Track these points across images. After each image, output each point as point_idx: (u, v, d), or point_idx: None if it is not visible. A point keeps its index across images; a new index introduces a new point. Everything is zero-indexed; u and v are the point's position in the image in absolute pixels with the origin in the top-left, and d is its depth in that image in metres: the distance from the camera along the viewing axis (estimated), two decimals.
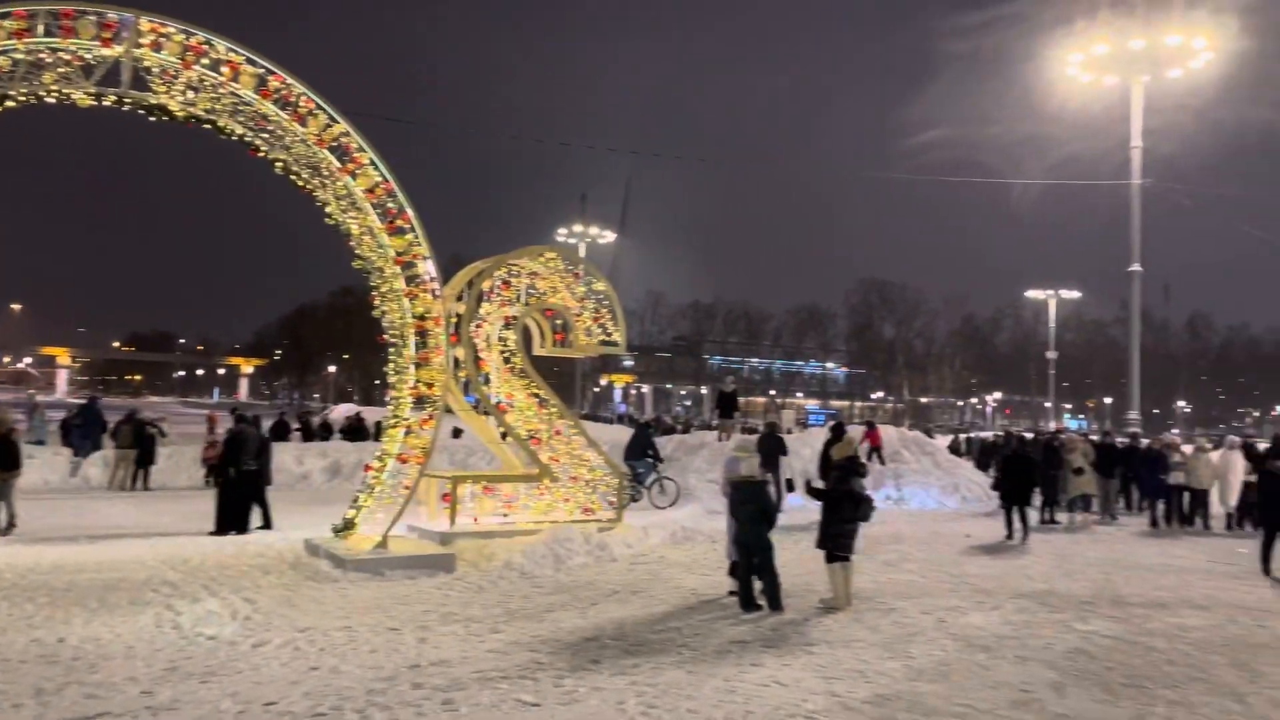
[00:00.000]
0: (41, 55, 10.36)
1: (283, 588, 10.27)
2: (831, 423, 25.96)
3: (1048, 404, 76.98)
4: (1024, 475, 16.06)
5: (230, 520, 13.94)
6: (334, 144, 11.59)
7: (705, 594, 10.49)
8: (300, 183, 12.03)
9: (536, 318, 14.40)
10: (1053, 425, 51.82)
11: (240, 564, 11.51)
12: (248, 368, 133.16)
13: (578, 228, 59.46)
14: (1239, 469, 18.00)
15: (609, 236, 63.32)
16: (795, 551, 12.14)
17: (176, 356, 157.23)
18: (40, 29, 10.25)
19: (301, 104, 11.35)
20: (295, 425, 26.96)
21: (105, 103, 10.74)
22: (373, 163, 11.81)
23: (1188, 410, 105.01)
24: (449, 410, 13.49)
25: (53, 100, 10.64)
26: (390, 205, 12.00)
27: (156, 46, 10.71)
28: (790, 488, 14.48)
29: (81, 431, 21.66)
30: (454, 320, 13.17)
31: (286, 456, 22.22)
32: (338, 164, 11.68)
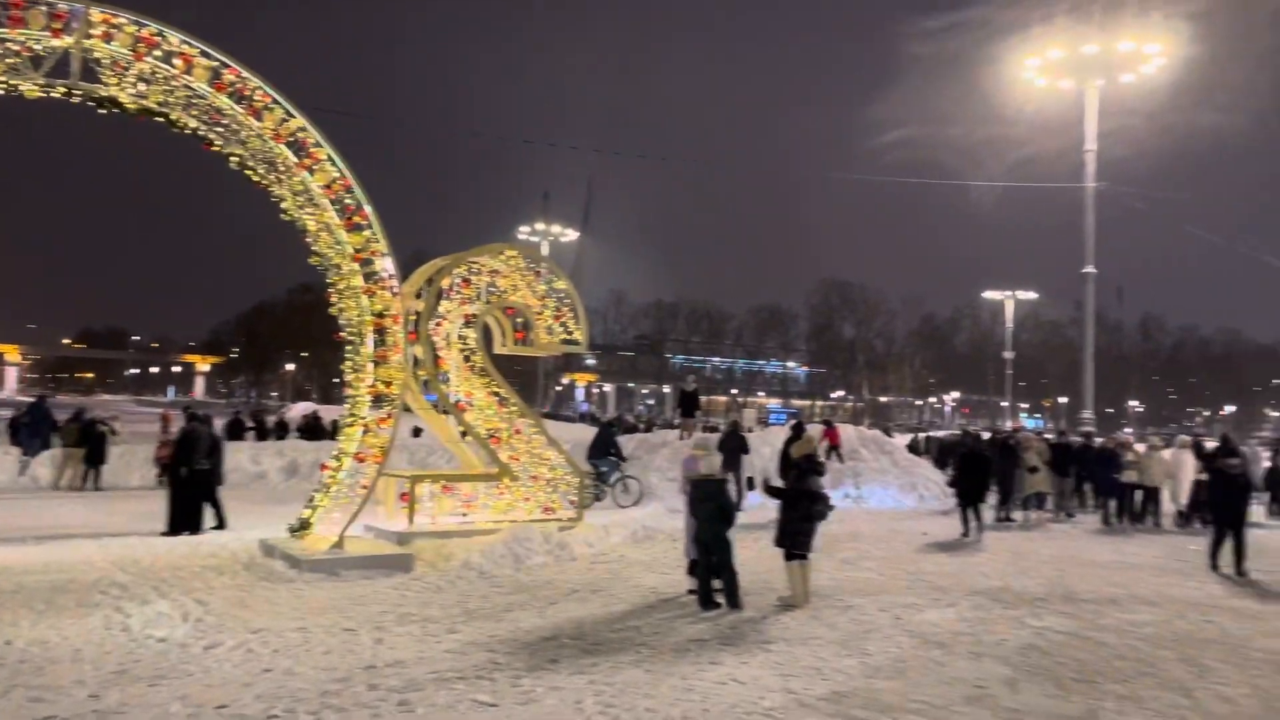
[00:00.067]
0: None
1: (236, 589, 10.12)
2: (792, 422, 26.13)
3: (1005, 403, 78.14)
4: (979, 473, 16.28)
5: (183, 520, 13.72)
6: (291, 139, 11.44)
7: (665, 592, 10.50)
8: (256, 178, 11.86)
9: (497, 316, 14.32)
10: (1009, 424, 52.48)
11: (193, 565, 11.31)
12: (204, 365, 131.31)
13: (540, 226, 59.37)
14: (1189, 467, 18.36)
15: (572, 235, 63.28)
16: (754, 549, 12.18)
17: (130, 354, 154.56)
18: None
19: (257, 98, 11.19)
20: (250, 424, 26.57)
21: (54, 95, 10.51)
22: (330, 158, 11.67)
23: (1140, 410, 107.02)
24: (408, 409, 13.38)
25: (0, 91, 10.40)
26: (348, 201, 11.87)
27: (107, 37, 10.49)
28: (751, 486, 14.57)
29: (30, 430, 21.22)
30: (413, 318, 13.06)
31: (242, 456, 21.93)
32: (294, 159, 11.53)
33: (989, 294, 70.26)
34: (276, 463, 22.25)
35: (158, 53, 10.68)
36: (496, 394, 13.92)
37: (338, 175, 11.76)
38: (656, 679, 7.26)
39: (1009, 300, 66.67)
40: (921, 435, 39.04)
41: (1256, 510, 16.32)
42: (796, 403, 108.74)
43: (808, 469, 10.27)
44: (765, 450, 20.52)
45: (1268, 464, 21.22)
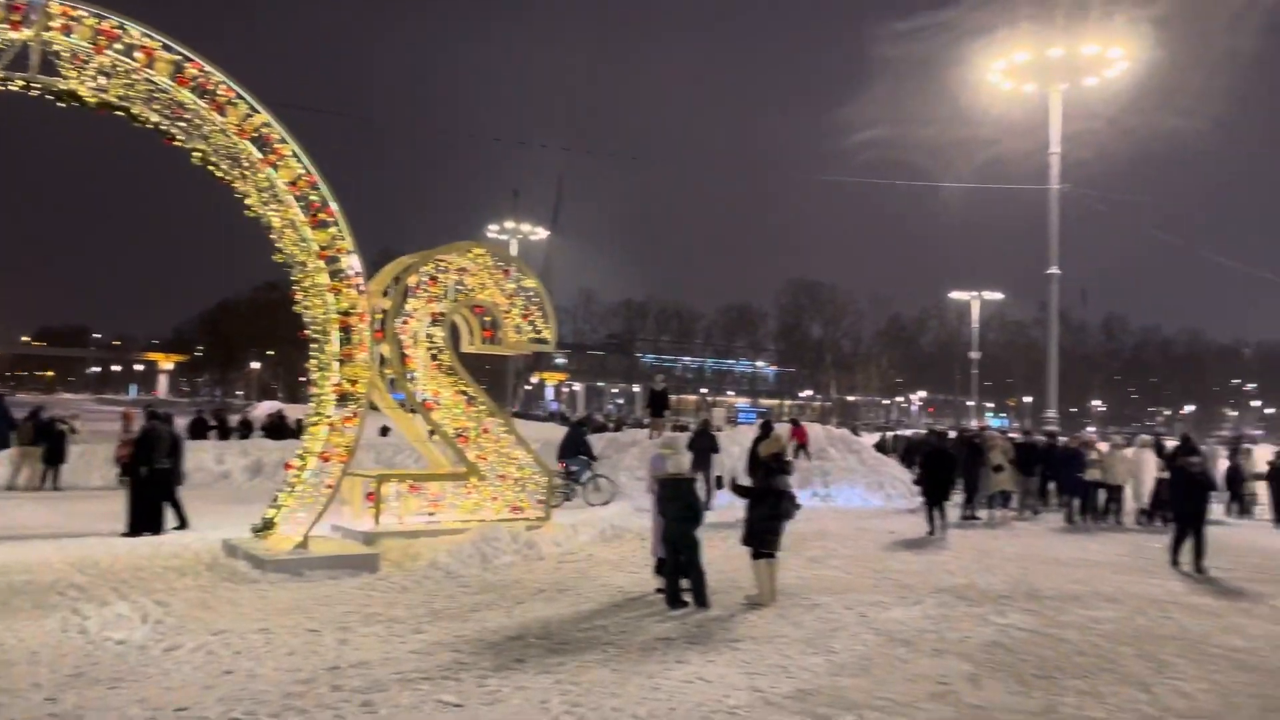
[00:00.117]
0: None
1: (198, 590, 9.99)
2: (760, 421, 26.24)
3: (971, 403, 78.96)
4: (944, 472, 16.43)
5: (143, 521, 13.52)
6: (255, 134, 11.30)
7: (632, 591, 10.50)
8: (219, 174, 11.71)
9: (465, 314, 14.24)
10: (975, 423, 53.05)
11: (154, 566, 11.15)
12: (167, 364, 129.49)
13: (510, 224, 59.11)
14: (1151, 466, 18.64)
15: (541, 234, 63.07)
16: (722, 549, 12.21)
17: (91, 352, 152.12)
18: None
19: (220, 92, 11.04)
20: (212, 422, 26.25)
21: (12, 88, 10.30)
22: (295, 154, 11.54)
23: (1103, 409, 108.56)
24: (374, 408, 13.27)
25: None
26: (313, 198, 11.75)
27: (67, 30, 10.31)
28: (720, 485, 14.61)
29: None
30: (379, 316, 12.96)
31: (206, 455, 21.66)
32: (259, 155, 11.39)
33: (955, 294, 70.99)
34: (240, 462, 22.00)
35: (119, 46, 10.50)
36: (464, 393, 13.84)
37: (303, 171, 11.64)
38: (623, 678, 7.25)
39: (975, 301, 67.38)
40: (889, 434, 39.35)
41: (1216, 508, 16.58)
42: (765, 402, 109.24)
43: (775, 468, 10.31)
44: (734, 449, 20.58)
45: (1226, 463, 21.58)
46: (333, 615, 9.00)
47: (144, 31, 10.64)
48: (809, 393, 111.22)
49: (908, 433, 41.78)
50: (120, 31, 10.51)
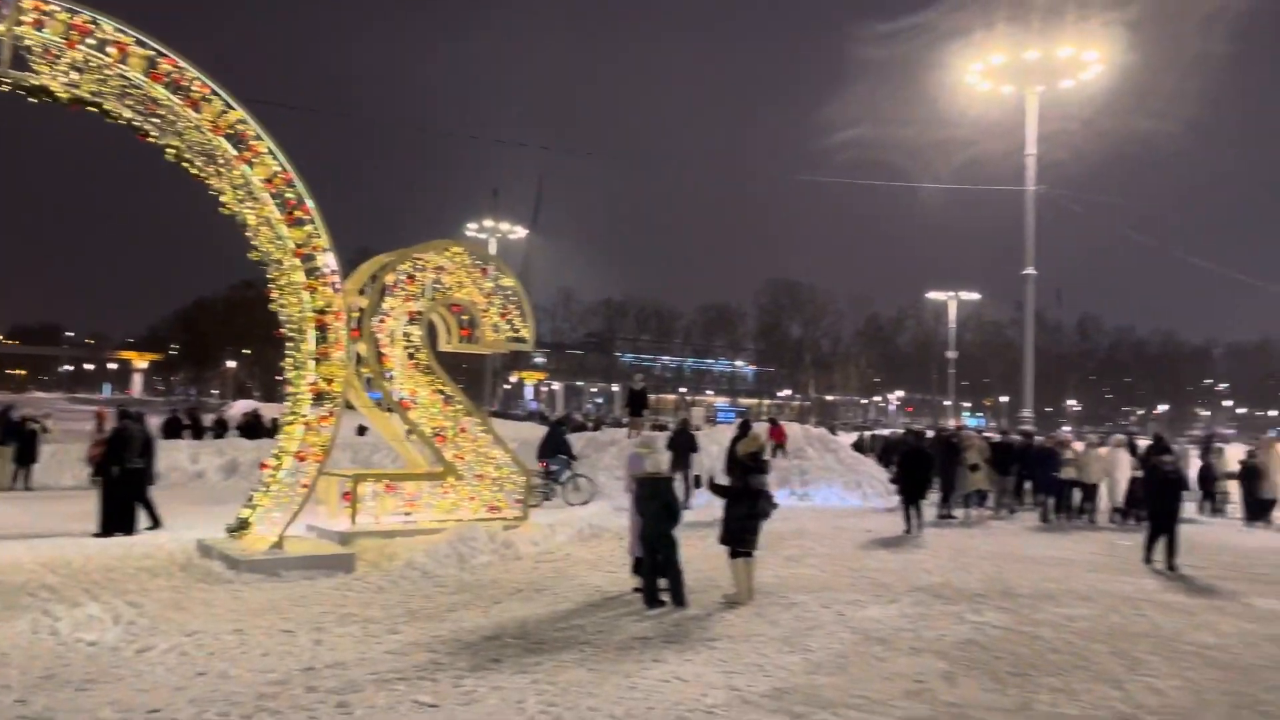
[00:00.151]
0: None
1: (171, 590, 9.89)
2: (739, 420, 26.28)
3: (948, 402, 79.32)
4: (921, 471, 16.53)
5: (116, 521, 13.38)
6: (230, 131, 11.20)
7: (610, 591, 10.49)
8: (194, 170, 11.61)
9: (442, 313, 14.19)
10: (952, 423, 53.33)
11: (126, 566, 11.03)
12: (141, 362, 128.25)
13: (489, 223, 58.95)
14: (1125, 465, 18.81)
15: (521, 233, 62.95)
16: (700, 547, 12.21)
17: (64, 350, 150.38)
18: None
19: (195, 89, 10.93)
20: (186, 422, 26.01)
21: None
22: (271, 151, 11.45)
23: (1078, 409, 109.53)
24: (350, 407, 13.20)
25: None
26: (289, 195, 11.66)
27: (39, 25, 10.17)
28: (698, 484, 14.63)
29: None
30: (356, 314, 12.89)
31: (180, 455, 21.48)
32: (234, 152, 11.30)
33: (933, 294, 71.29)
34: (215, 461, 21.82)
35: (91, 41, 10.38)
36: (441, 392, 13.79)
37: (279, 169, 11.55)
38: (600, 677, 7.24)
39: (952, 301, 67.70)
40: (867, 433, 39.52)
41: (1188, 507, 16.76)
42: (744, 401, 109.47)
43: (753, 467, 10.33)
44: (713, 449, 20.63)
45: (1198, 462, 21.80)
46: (308, 616, 8.94)
47: (117, 27, 10.52)
48: (788, 392, 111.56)
49: (885, 432, 41.96)
50: (93, 26, 10.38)
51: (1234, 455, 21.62)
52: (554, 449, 19.31)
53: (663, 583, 9.81)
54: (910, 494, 16.12)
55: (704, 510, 15.15)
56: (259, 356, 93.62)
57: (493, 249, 51.64)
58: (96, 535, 13.15)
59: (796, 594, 10.51)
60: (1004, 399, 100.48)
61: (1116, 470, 18.77)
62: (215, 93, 11.07)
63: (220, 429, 26.79)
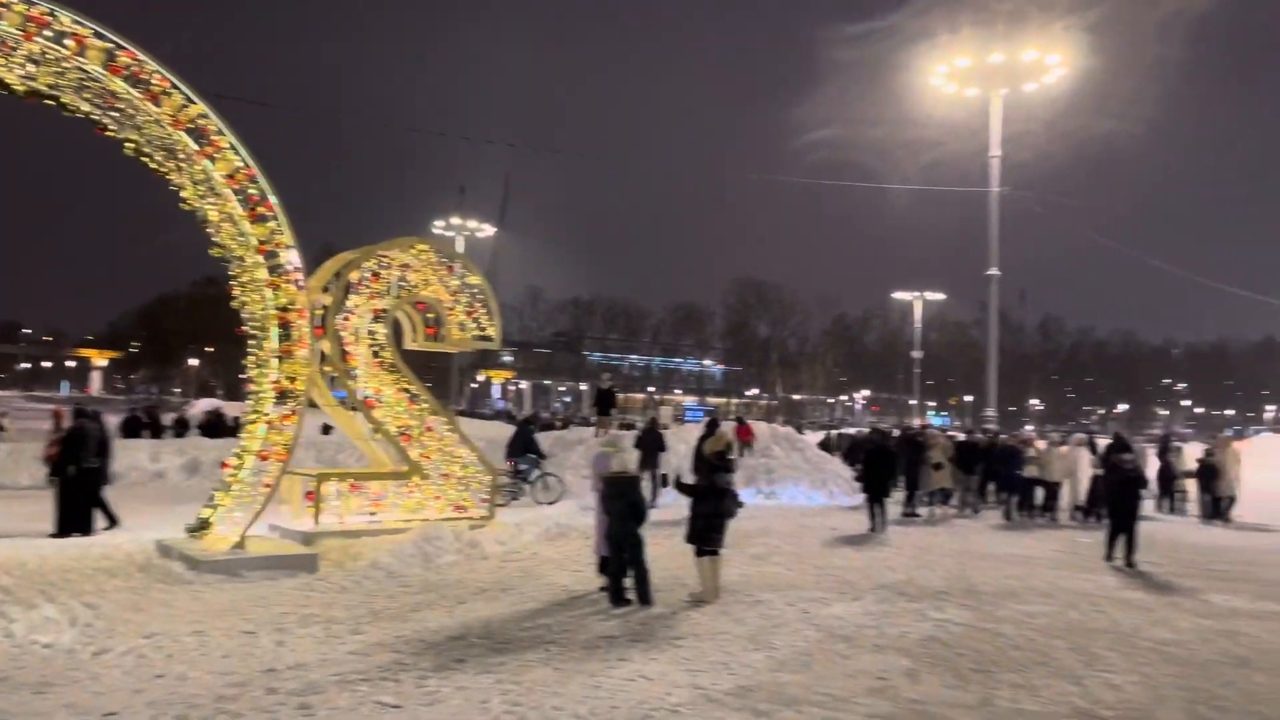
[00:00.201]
0: None
1: (129, 592, 9.74)
2: (707, 419, 26.36)
3: (913, 401, 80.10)
4: (885, 469, 16.66)
5: (72, 521, 13.14)
6: (191, 126, 11.02)
7: (576, 590, 10.47)
8: (153, 165, 11.42)
9: (407, 311, 14.09)
10: (918, 422, 53.84)
11: (83, 567, 10.83)
12: (101, 360, 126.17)
13: (456, 221, 58.69)
14: (1086, 464, 19.08)
15: (488, 231, 62.71)
16: (667, 546, 12.21)
17: (21, 348, 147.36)
18: None
19: (155, 82, 10.75)
20: (145, 420, 25.63)
21: None
22: (233, 147, 11.29)
23: (1040, 408, 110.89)
24: (314, 405, 13.07)
25: None
26: (252, 191, 11.50)
27: None
28: (665, 483, 14.63)
29: None
30: (320, 312, 12.77)
31: (141, 454, 21.16)
32: (195, 147, 11.12)
33: (899, 295, 71.97)
34: (177, 461, 21.51)
35: (48, 33, 10.17)
36: (407, 390, 13.69)
37: (241, 165, 11.39)
38: (565, 677, 7.23)
39: (918, 301, 68.37)
40: (833, 432, 39.76)
41: (1147, 505, 17.02)
42: (712, 400, 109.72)
43: (719, 466, 10.36)
44: (681, 448, 20.67)
45: (1157, 461, 22.13)
46: (269, 616, 8.84)
47: (75, 19, 10.32)
48: (755, 391, 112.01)
49: (851, 431, 42.24)
50: (50, 18, 10.17)
51: (1192, 454, 21.97)
52: (523, 448, 19.26)
53: (629, 581, 9.81)
54: (875, 492, 16.24)
55: (671, 509, 15.16)
56: (222, 354, 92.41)
57: (460, 247, 51.42)
58: (53, 536, 12.91)
59: (762, 592, 10.55)
60: (968, 398, 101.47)
61: (1078, 469, 19.03)
62: (176, 86, 10.90)
63: (181, 428, 26.45)
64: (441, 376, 67.58)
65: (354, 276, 13.30)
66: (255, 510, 11.49)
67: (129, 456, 20.58)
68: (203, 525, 11.72)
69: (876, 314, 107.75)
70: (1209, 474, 19.91)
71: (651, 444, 19.13)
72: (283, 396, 11.79)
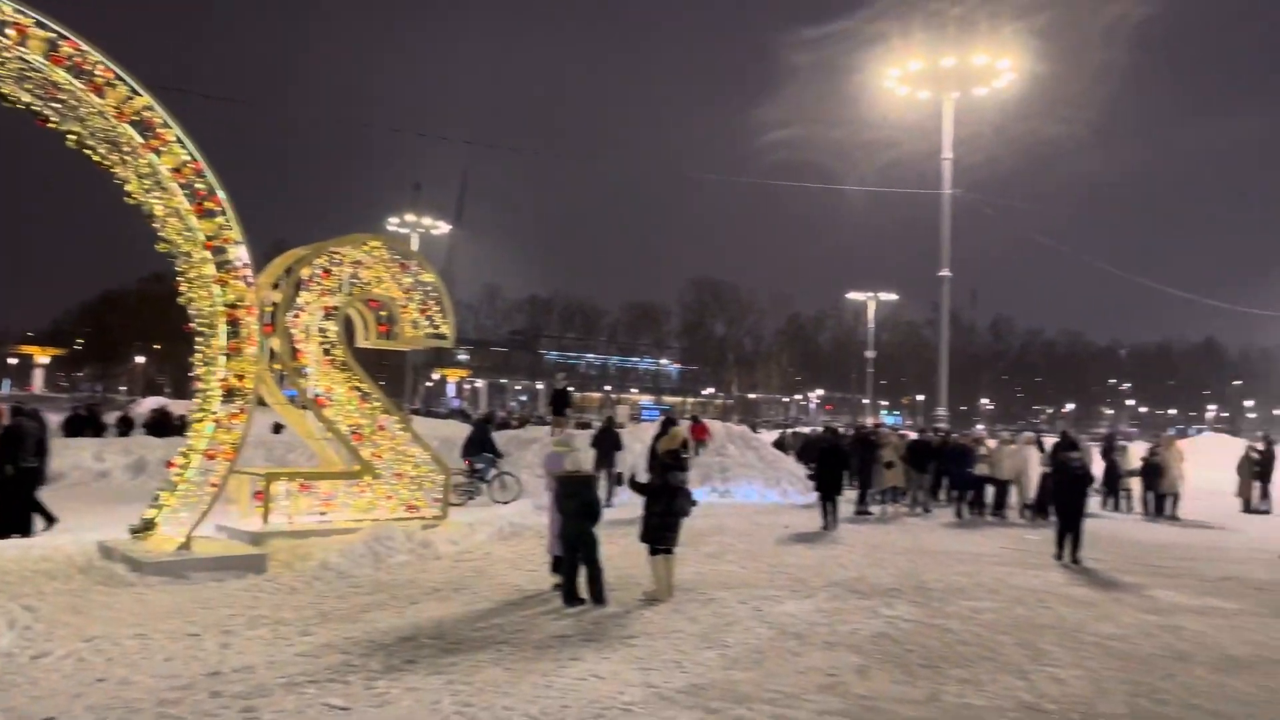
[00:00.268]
0: None
1: (70, 594, 9.51)
2: (662, 418, 26.40)
3: (866, 400, 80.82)
4: (837, 467, 16.80)
5: (10, 522, 12.80)
6: (135, 118, 10.78)
7: (529, 589, 10.42)
8: (96, 158, 11.17)
9: (359, 308, 13.92)
10: (871, 421, 54.37)
11: (22, 569, 10.54)
12: (43, 357, 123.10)
13: (411, 217, 58.14)
14: (1035, 462, 19.38)
15: (444, 228, 62.22)
16: (621, 545, 12.21)
17: None
18: None
19: (98, 73, 10.49)
20: (86, 417, 25.07)
21: None
22: (179, 140, 11.06)
23: (991, 407, 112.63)
24: (264, 404, 12.87)
25: None
26: (199, 186, 11.29)
27: None
28: (620, 481, 14.65)
29: None
30: (269, 309, 12.58)
31: (85, 453, 20.71)
32: (140, 139, 10.88)
33: (852, 295, 72.62)
34: (122, 460, 21.07)
35: None
36: (358, 389, 13.54)
37: (188, 158, 11.17)
38: (516, 677, 7.18)
39: (871, 301, 69.06)
40: (788, 431, 40.04)
41: (1093, 503, 17.33)
42: (669, 399, 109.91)
43: (672, 464, 10.38)
44: (637, 446, 20.67)
45: (1102, 460, 22.55)
46: (215, 618, 8.68)
47: (16, 8, 10.04)
48: (711, 390, 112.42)
49: (806, 430, 42.57)
50: None
51: (1136, 453, 22.43)
52: (479, 447, 19.15)
53: (583, 580, 9.78)
54: (827, 490, 16.37)
55: (627, 507, 15.16)
56: (170, 352, 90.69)
57: (415, 244, 50.90)
58: None
59: (715, 590, 10.58)
60: (920, 397, 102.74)
61: (1027, 467, 19.33)
62: (120, 78, 10.65)
63: (126, 426, 25.91)
64: (395, 375, 66.91)
65: (305, 273, 13.12)
66: (202, 510, 11.29)
67: (72, 456, 20.14)
68: (147, 526, 11.48)
69: (831, 314, 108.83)
70: (1153, 472, 20.34)
71: (608, 443, 19.13)
72: (230, 394, 11.59)
